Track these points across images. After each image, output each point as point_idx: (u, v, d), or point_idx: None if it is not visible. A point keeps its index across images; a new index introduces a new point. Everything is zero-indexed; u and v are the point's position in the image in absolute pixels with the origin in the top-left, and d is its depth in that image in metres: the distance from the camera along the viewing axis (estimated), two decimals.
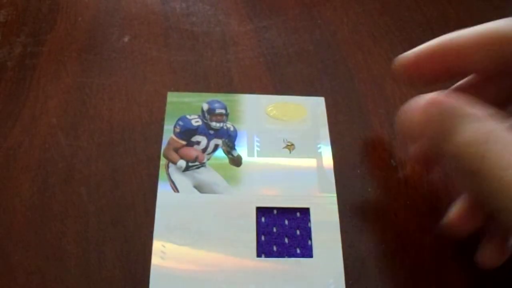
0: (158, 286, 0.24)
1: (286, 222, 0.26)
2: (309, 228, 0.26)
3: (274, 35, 0.37)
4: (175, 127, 0.28)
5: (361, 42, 0.37)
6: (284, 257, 0.25)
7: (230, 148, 0.28)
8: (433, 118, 0.24)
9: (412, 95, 0.25)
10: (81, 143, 0.31)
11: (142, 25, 0.37)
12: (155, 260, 0.24)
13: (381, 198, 0.29)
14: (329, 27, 0.37)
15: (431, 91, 0.24)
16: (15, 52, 0.35)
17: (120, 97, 0.33)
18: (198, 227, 0.25)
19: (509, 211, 0.20)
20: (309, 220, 0.26)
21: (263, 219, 0.26)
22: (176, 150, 0.28)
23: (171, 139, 0.28)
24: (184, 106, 0.29)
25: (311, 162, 0.28)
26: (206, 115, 0.29)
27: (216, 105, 0.30)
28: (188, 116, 0.29)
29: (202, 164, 0.27)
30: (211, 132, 0.29)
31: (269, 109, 0.30)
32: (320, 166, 0.28)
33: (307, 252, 0.25)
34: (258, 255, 0.25)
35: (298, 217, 0.26)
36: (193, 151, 0.28)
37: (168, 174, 0.27)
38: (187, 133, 0.28)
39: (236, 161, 0.28)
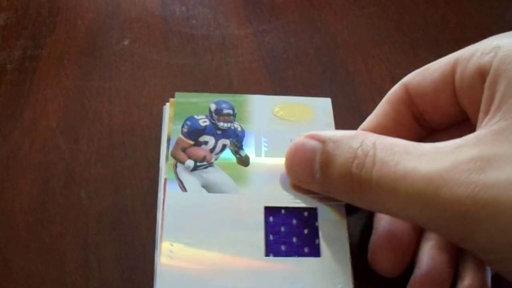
0: (166, 286, 0.23)
1: (294, 221, 0.26)
2: (317, 227, 0.26)
3: (274, 39, 0.37)
4: (183, 127, 0.28)
5: (361, 45, 0.37)
6: (292, 256, 0.25)
7: (237, 148, 0.28)
8: (294, 162, 0.25)
9: None
10: (81, 146, 0.31)
11: (142, 28, 0.37)
12: (163, 259, 0.24)
13: None
14: (329, 30, 0.37)
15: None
16: (15, 55, 0.35)
17: (120, 100, 0.33)
18: (206, 226, 0.25)
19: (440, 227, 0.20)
20: (317, 220, 0.26)
21: (271, 219, 0.26)
22: (184, 149, 0.28)
23: (179, 139, 0.28)
24: (192, 106, 0.29)
25: None
26: (213, 115, 0.29)
27: (224, 105, 0.30)
28: (196, 116, 0.29)
29: (210, 164, 0.27)
30: (219, 132, 0.29)
31: (276, 109, 0.30)
32: None
33: (315, 251, 0.25)
34: (267, 255, 0.25)
35: (306, 217, 0.26)
36: (201, 151, 0.28)
37: (176, 174, 0.27)
38: (194, 133, 0.28)
39: (244, 161, 0.28)
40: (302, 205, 0.26)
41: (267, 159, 0.28)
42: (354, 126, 0.32)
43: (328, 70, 0.35)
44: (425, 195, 0.20)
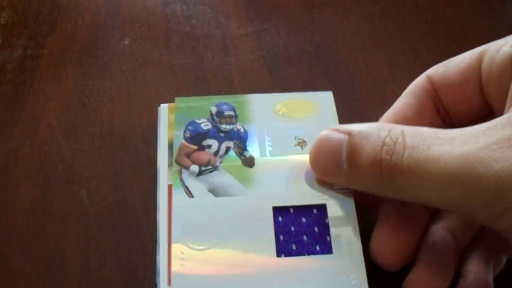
0: None
1: (304, 220, 0.26)
2: (327, 224, 0.26)
3: (274, 38, 0.37)
4: (185, 132, 0.28)
5: (361, 45, 0.37)
6: (304, 255, 0.25)
7: (241, 149, 0.28)
8: (319, 155, 0.25)
9: None
10: (81, 145, 0.31)
11: (142, 27, 0.37)
12: (174, 266, 0.24)
13: None
14: (330, 30, 0.37)
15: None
16: (16, 55, 0.35)
17: (121, 100, 0.33)
18: (216, 230, 0.25)
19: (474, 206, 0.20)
20: (327, 216, 0.26)
21: (280, 219, 0.26)
22: (188, 155, 0.27)
23: (182, 144, 0.28)
24: (193, 110, 0.29)
25: None
26: (215, 118, 0.29)
27: (225, 107, 0.29)
28: (197, 121, 0.29)
29: (215, 168, 0.27)
30: (222, 134, 0.28)
31: (278, 107, 0.30)
32: None
33: (327, 249, 0.25)
34: (278, 255, 0.25)
35: (315, 214, 0.26)
36: (205, 155, 0.27)
37: (182, 180, 0.27)
38: (197, 137, 0.28)
39: (249, 162, 0.28)
40: (311, 202, 0.26)
41: (272, 158, 0.28)
42: None
43: (328, 69, 0.35)
44: (461, 174, 0.20)
